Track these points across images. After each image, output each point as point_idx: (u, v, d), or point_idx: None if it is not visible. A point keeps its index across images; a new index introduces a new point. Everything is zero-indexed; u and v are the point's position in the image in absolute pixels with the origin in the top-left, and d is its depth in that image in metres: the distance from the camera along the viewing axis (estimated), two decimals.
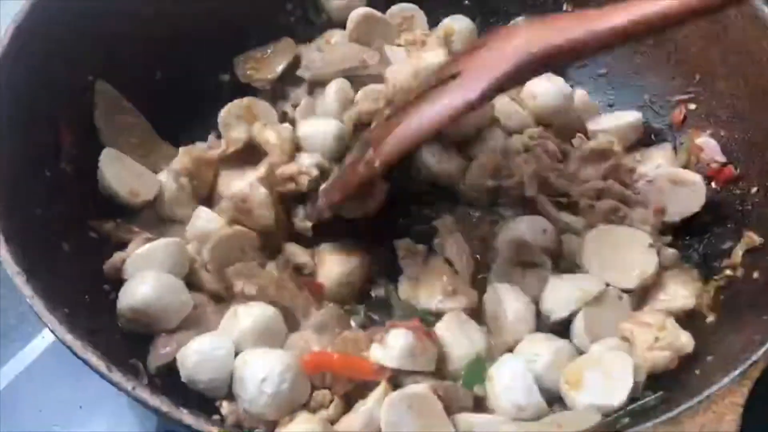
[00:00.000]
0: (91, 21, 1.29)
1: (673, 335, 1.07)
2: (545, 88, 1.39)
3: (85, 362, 0.85)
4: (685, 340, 1.07)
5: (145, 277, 1.10)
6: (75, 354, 0.86)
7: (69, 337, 0.86)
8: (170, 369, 1.07)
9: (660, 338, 1.06)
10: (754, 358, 0.87)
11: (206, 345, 1.05)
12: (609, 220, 1.24)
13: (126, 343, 1.10)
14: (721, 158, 1.31)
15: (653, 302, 1.17)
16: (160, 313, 1.09)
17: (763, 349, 0.88)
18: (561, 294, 1.14)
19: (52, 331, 0.88)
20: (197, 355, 1.04)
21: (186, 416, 0.80)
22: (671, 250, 1.22)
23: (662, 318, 1.10)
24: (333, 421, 1.03)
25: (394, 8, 1.54)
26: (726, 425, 0.80)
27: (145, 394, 0.82)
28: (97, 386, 1.26)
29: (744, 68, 1.28)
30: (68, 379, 1.31)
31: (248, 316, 1.11)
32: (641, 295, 1.18)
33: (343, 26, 1.51)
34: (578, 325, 1.13)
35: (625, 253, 1.18)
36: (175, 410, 0.81)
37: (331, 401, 1.06)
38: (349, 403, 1.06)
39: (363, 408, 1.02)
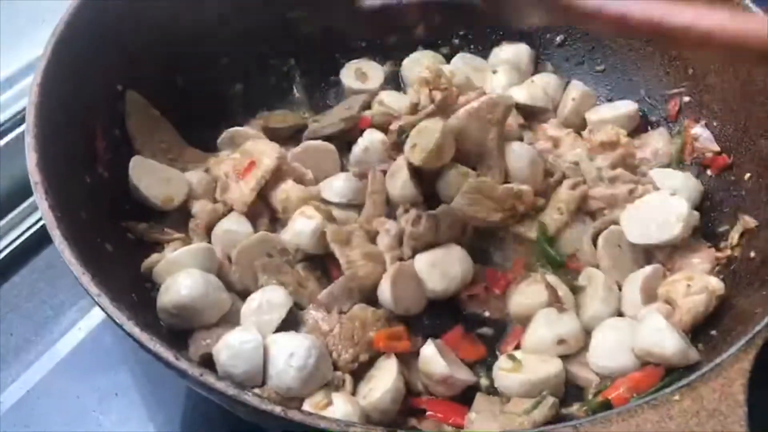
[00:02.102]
0: (119, 35, 1.37)
1: (703, 280, 1.18)
2: None
3: (153, 353, 0.92)
4: (716, 283, 1.18)
5: (191, 274, 1.16)
6: (142, 346, 0.93)
7: (137, 330, 0.92)
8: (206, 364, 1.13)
9: (692, 285, 1.17)
10: (758, 328, 0.96)
11: (236, 339, 1.11)
12: (630, 201, 1.34)
13: (171, 336, 1.17)
14: (715, 147, 1.41)
15: (675, 272, 1.27)
16: (204, 308, 1.16)
17: (765, 320, 0.97)
18: None
19: (119, 326, 0.94)
20: (228, 349, 1.10)
21: (251, 398, 0.87)
22: (694, 212, 1.31)
23: (688, 273, 1.22)
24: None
25: None
26: (736, 388, 0.89)
27: (211, 379, 0.89)
28: (130, 375, 1.39)
29: (734, 62, 1.36)
30: (103, 368, 1.39)
31: (256, 299, 1.19)
32: (668, 267, 1.29)
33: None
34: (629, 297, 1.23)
35: (657, 212, 1.28)
36: (240, 393, 0.88)
37: (343, 380, 1.15)
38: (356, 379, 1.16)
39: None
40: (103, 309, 0.96)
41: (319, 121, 1.50)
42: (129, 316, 0.94)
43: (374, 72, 1.64)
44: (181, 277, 1.16)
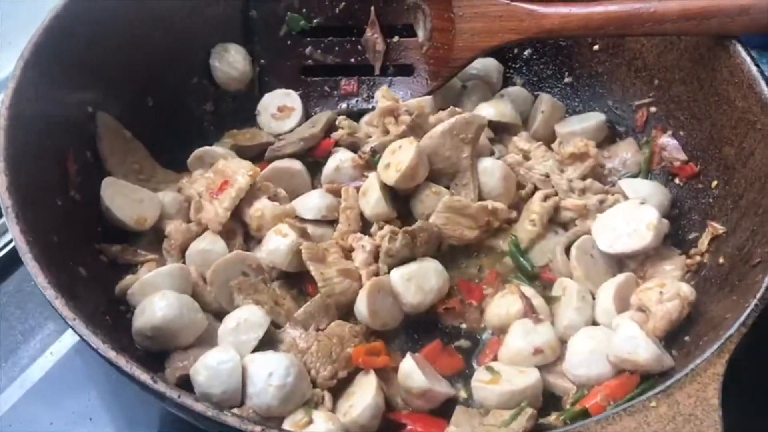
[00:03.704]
0: (90, 57, 1.37)
1: (675, 286, 1.20)
2: None
3: (130, 376, 0.91)
4: (687, 289, 1.19)
5: (165, 296, 1.16)
6: (119, 369, 0.92)
7: (112, 354, 0.92)
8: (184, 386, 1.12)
9: (664, 292, 1.19)
10: (729, 333, 0.98)
11: (213, 360, 1.11)
12: (601, 210, 1.37)
13: (147, 359, 1.16)
14: (682, 156, 1.43)
15: (647, 279, 1.29)
16: (179, 330, 1.16)
17: (736, 325, 0.99)
18: None
19: (94, 350, 0.93)
20: (206, 370, 1.10)
21: (231, 419, 0.87)
22: (664, 220, 1.33)
23: (660, 280, 1.23)
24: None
25: None
26: (710, 393, 0.91)
27: (189, 401, 0.89)
28: (104, 399, 1.38)
29: (698, 72, 1.39)
30: (76, 392, 1.38)
31: (233, 319, 1.19)
32: (640, 275, 1.31)
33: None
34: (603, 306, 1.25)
35: (628, 221, 1.30)
36: (220, 413, 0.87)
37: (322, 398, 1.15)
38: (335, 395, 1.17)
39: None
40: (78, 333, 0.95)
41: (283, 140, 1.51)
42: (104, 339, 0.93)
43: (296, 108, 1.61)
44: (156, 299, 1.15)
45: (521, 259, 1.36)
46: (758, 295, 1.02)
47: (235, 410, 1.09)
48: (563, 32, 1.41)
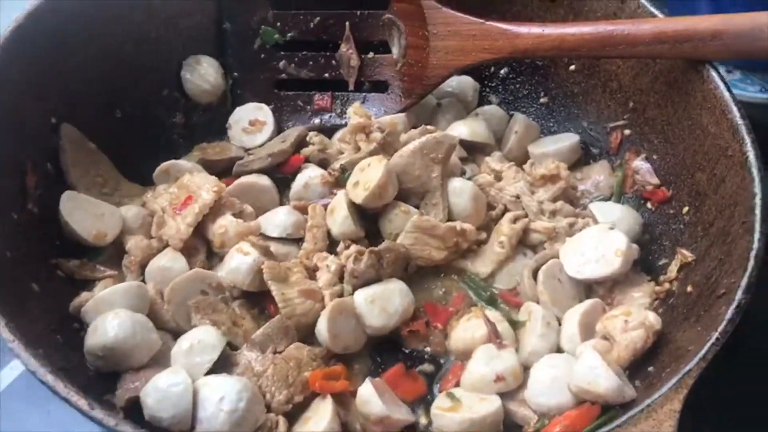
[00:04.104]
0: (54, 68, 1.34)
1: (641, 315, 1.17)
2: None
3: (68, 401, 0.88)
4: (653, 318, 1.17)
5: (118, 314, 1.13)
6: (56, 393, 0.89)
7: (50, 378, 0.89)
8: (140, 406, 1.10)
9: (629, 320, 1.16)
10: (688, 367, 0.95)
11: (164, 382, 1.08)
12: (570, 234, 1.35)
13: (99, 380, 1.13)
14: (655, 181, 1.41)
15: (615, 306, 1.27)
16: (132, 350, 1.13)
17: (695, 359, 0.96)
18: None
19: (32, 373, 0.91)
20: (156, 393, 1.07)
21: None
22: (633, 245, 1.31)
23: (626, 308, 1.21)
24: None
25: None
26: (665, 430, 0.89)
27: (128, 428, 0.86)
28: (66, 415, 1.34)
29: (672, 97, 1.38)
30: (37, 409, 1.35)
31: (187, 340, 1.16)
32: (608, 301, 1.29)
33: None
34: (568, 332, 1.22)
35: (596, 246, 1.28)
36: None
37: (277, 423, 1.12)
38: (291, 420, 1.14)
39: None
40: (16, 355, 0.92)
41: (252, 155, 1.48)
42: (44, 363, 0.91)
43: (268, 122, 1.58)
44: (108, 318, 1.13)
45: (477, 284, 1.34)
46: (719, 329, 0.99)
47: None
48: (537, 53, 1.40)
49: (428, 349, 1.30)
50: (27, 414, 1.32)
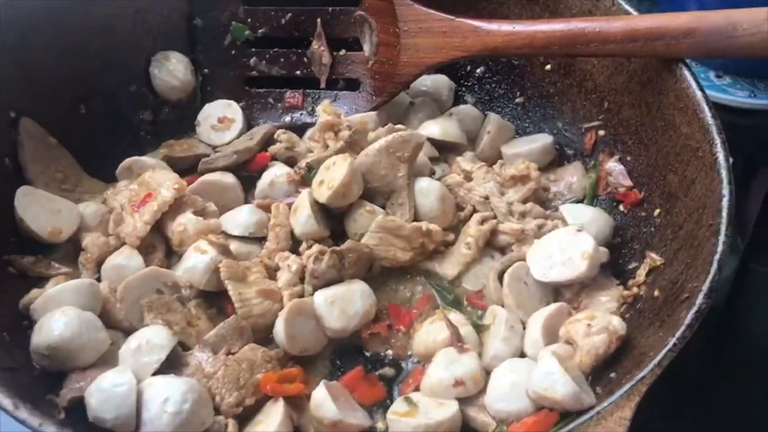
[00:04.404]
0: (13, 59, 1.32)
1: (605, 320, 1.13)
2: None
3: None
4: (618, 323, 1.13)
5: (65, 313, 1.10)
6: None
7: None
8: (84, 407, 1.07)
9: (592, 324, 1.12)
10: (642, 374, 0.92)
11: (107, 383, 1.05)
12: (539, 236, 1.32)
13: (46, 379, 1.10)
14: (628, 182, 1.38)
15: (581, 310, 1.24)
16: (78, 350, 1.10)
17: (650, 366, 0.93)
18: None
19: None
20: (99, 393, 1.04)
21: None
22: (602, 248, 1.28)
23: (590, 312, 1.17)
24: None
25: None
26: None
27: (51, 429, 0.83)
28: None
29: (646, 96, 1.34)
30: None
31: (135, 339, 1.13)
32: (575, 305, 1.25)
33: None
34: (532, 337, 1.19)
35: (563, 249, 1.24)
36: None
37: (226, 425, 1.09)
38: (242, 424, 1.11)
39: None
40: None
41: (219, 152, 1.46)
42: None
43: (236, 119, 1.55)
44: (55, 316, 1.10)
45: (440, 287, 1.32)
46: (677, 334, 0.96)
47: None
48: (508, 50, 1.37)
49: (390, 352, 1.26)
50: None
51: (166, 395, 1.03)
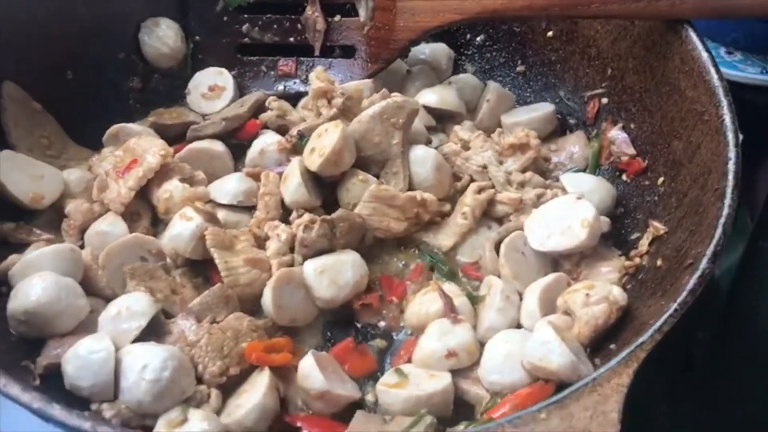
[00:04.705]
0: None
1: (605, 290, 1.08)
2: None
3: None
4: (618, 293, 1.08)
5: (43, 277, 1.06)
6: None
7: None
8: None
9: (591, 294, 1.08)
10: (641, 340, 0.87)
11: (84, 349, 1.01)
12: (537, 206, 1.27)
13: (22, 346, 1.07)
14: (631, 151, 1.33)
15: (580, 281, 1.19)
16: (55, 316, 1.06)
17: (650, 331, 0.88)
18: None
19: None
20: (76, 360, 1.00)
21: (58, 412, 0.77)
22: (603, 218, 1.23)
23: (589, 282, 1.13)
24: (217, 413, 1.02)
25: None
26: (610, 406, 0.80)
27: (14, 391, 0.79)
28: None
29: (650, 62, 1.29)
30: None
31: (115, 306, 1.09)
32: (574, 276, 1.21)
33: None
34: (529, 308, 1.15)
35: (562, 218, 1.20)
36: (48, 406, 0.78)
37: (208, 395, 1.05)
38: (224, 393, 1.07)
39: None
40: None
41: (208, 120, 1.41)
42: None
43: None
44: (33, 281, 1.06)
45: (436, 257, 1.27)
46: (679, 300, 0.91)
47: (105, 405, 0.99)
48: (507, 12, 1.32)
49: (382, 323, 1.22)
50: None
51: (145, 362, 0.99)
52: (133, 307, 1.07)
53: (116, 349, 1.02)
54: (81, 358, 0.99)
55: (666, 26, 1.25)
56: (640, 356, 0.85)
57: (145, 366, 0.99)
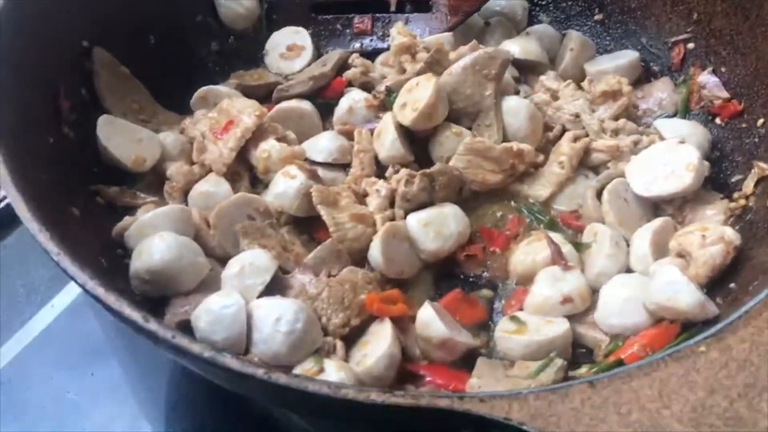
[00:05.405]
0: None
1: (718, 230, 1.09)
2: None
3: (118, 314, 0.82)
4: (732, 233, 1.09)
5: (163, 237, 1.07)
6: (107, 307, 0.83)
7: (101, 291, 0.83)
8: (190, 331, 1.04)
9: (707, 235, 1.08)
10: None
11: (216, 304, 1.02)
12: (635, 152, 1.27)
13: (145, 306, 1.07)
14: (724, 94, 1.32)
15: (686, 225, 1.19)
16: (179, 273, 1.07)
17: None
18: None
19: (81, 286, 0.85)
20: (208, 315, 1.01)
21: (230, 361, 0.78)
22: (705, 162, 1.23)
23: (702, 224, 1.13)
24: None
25: None
26: (766, 337, 0.81)
27: (185, 341, 0.80)
28: (107, 354, 1.31)
29: (743, 3, 1.28)
30: (78, 346, 1.33)
31: (238, 262, 1.09)
32: (678, 221, 1.21)
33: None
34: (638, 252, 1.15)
35: (665, 163, 1.20)
36: (218, 355, 0.79)
37: (334, 346, 1.06)
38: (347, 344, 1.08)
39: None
40: (63, 269, 0.86)
41: (292, 80, 1.41)
42: (92, 275, 0.84)
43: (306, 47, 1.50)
44: (154, 241, 1.07)
45: (532, 209, 1.29)
46: None
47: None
48: None
49: (486, 274, 1.23)
50: (35, 383, 1.29)
51: (278, 314, 1.00)
52: (255, 262, 1.08)
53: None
54: (213, 313, 1.00)
55: None
56: None
57: (278, 319, 1.00)
